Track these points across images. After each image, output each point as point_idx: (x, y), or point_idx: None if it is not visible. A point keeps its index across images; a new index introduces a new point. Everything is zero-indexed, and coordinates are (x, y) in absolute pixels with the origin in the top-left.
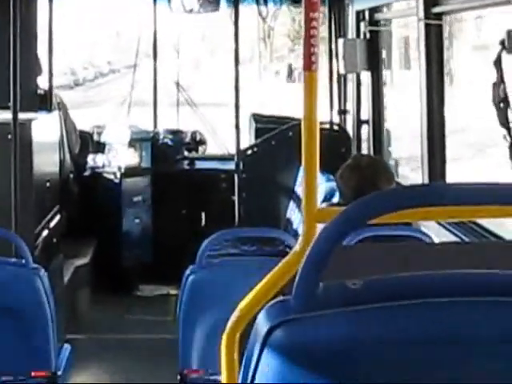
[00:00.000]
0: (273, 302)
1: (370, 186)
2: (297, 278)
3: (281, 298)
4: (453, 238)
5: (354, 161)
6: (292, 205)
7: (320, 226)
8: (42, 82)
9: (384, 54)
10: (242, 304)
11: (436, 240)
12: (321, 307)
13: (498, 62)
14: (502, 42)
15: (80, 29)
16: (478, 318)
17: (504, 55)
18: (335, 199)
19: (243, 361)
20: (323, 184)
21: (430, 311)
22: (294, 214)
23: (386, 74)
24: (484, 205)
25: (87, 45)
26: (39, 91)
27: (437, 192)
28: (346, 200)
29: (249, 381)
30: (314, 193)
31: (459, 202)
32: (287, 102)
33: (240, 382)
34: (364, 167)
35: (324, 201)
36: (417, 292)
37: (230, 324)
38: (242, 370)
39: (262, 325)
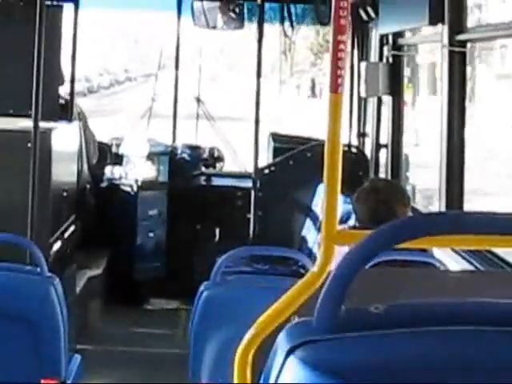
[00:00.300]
0: (293, 322)
1: (386, 209)
2: (320, 299)
3: (298, 319)
4: (468, 266)
5: (370, 184)
6: (308, 223)
7: (336, 248)
8: (64, 91)
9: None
10: (258, 322)
11: (450, 267)
12: (343, 330)
13: None
14: None
15: (98, 35)
16: (498, 348)
17: None
18: (351, 222)
19: (261, 379)
20: (340, 206)
21: (450, 339)
22: (310, 234)
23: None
24: (501, 234)
25: (104, 52)
26: (60, 101)
27: (460, 220)
28: (361, 223)
29: None
30: (334, 214)
31: (481, 231)
32: (308, 119)
33: None
34: (380, 190)
35: (340, 223)
36: (439, 319)
37: (244, 341)
38: None
39: (283, 344)
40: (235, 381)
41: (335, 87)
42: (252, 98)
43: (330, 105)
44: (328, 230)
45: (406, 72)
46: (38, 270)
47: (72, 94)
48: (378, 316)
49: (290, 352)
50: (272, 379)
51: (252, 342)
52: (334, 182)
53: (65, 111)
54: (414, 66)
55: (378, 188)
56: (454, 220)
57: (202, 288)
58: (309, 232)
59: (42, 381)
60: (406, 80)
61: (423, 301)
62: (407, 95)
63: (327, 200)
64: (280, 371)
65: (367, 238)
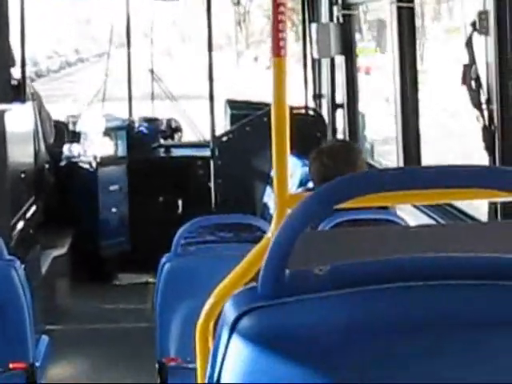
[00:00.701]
0: (239, 289)
1: (333, 169)
2: (262, 265)
3: (248, 285)
4: (429, 221)
5: (323, 145)
6: (268, 190)
7: None
8: (15, 72)
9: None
10: (216, 291)
11: (412, 223)
12: (287, 294)
13: (469, 44)
14: (473, 24)
15: (45, 15)
16: (449, 302)
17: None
18: (310, 184)
19: (212, 349)
20: (299, 169)
21: (398, 296)
22: (270, 199)
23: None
24: (458, 188)
25: (52, 33)
26: (12, 82)
27: (406, 175)
28: (314, 184)
29: (217, 369)
30: (284, 178)
31: (429, 186)
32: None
33: (209, 370)
34: (327, 151)
35: (300, 186)
36: (384, 276)
37: (203, 312)
38: (211, 358)
39: (228, 313)
40: (197, 352)
41: (278, 50)
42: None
43: (274, 68)
44: (280, 194)
45: (372, 32)
46: None
47: (23, 74)
48: (322, 278)
49: (236, 320)
50: (221, 349)
51: (211, 312)
52: (282, 146)
53: (17, 92)
54: (380, 25)
55: (325, 149)
56: (393, 177)
57: (163, 260)
58: (269, 197)
59: (11, 365)
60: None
61: (368, 260)
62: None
63: (277, 164)
64: (228, 341)
65: (306, 200)
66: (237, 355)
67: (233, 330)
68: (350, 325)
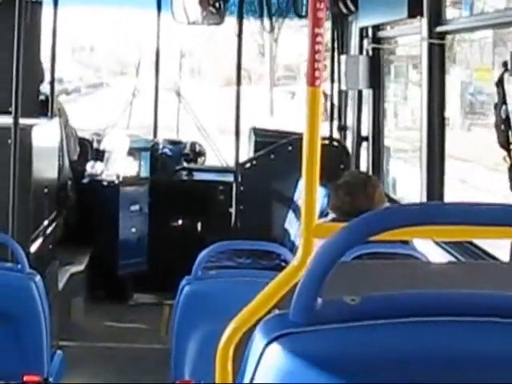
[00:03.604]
0: (271, 315)
1: (350, 201)
2: (296, 292)
3: (278, 311)
4: (449, 258)
5: (342, 177)
6: (290, 216)
7: (316, 241)
8: (44, 87)
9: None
10: (238, 316)
11: (431, 259)
12: (319, 322)
13: (500, 83)
14: (505, 64)
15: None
16: (475, 339)
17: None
18: (331, 215)
19: (239, 373)
20: (320, 199)
21: (427, 330)
22: (292, 227)
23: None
24: (480, 225)
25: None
26: (41, 97)
27: (434, 211)
28: (335, 216)
29: None
30: (313, 208)
31: (456, 222)
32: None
33: None
34: (345, 183)
35: (321, 216)
36: (414, 310)
37: (225, 336)
38: (237, 381)
39: (259, 338)
40: (217, 376)
41: (313, 80)
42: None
43: (308, 98)
44: (307, 224)
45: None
46: (19, 266)
47: (52, 90)
48: (354, 307)
49: (266, 345)
50: (249, 373)
51: (232, 337)
52: (312, 176)
53: (45, 107)
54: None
55: (343, 183)
56: (424, 212)
57: (183, 283)
58: (291, 225)
59: (25, 378)
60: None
61: (400, 292)
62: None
63: (306, 194)
64: (257, 365)
65: (340, 232)
66: (266, 379)
67: (263, 353)
68: (379, 355)
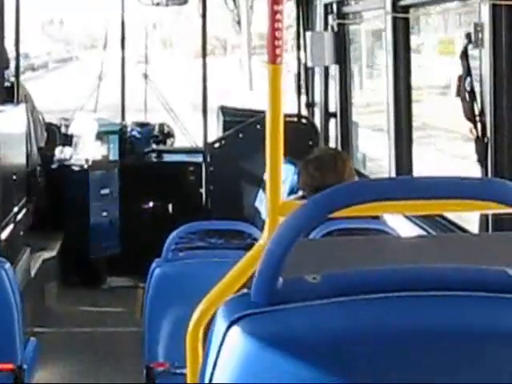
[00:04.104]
0: (232, 296)
1: (320, 177)
2: (256, 272)
3: (242, 292)
4: (419, 231)
5: (308, 157)
6: (260, 194)
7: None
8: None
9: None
10: (206, 298)
11: (402, 233)
12: (280, 302)
13: (464, 56)
14: (469, 36)
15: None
16: (438, 313)
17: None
18: (301, 192)
19: (203, 355)
20: (290, 176)
21: (388, 306)
22: (262, 205)
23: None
24: (448, 199)
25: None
26: (5, 84)
27: (398, 186)
28: (305, 194)
29: (208, 376)
30: (278, 186)
31: (421, 196)
32: None
33: (200, 376)
34: (315, 159)
35: (291, 193)
36: (376, 286)
37: (193, 318)
38: (202, 364)
39: (221, 320)
40: (187, 358)
41: (273, 58)
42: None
43: (270, 76)
44: (272, 202)
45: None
46: None
47: (17, 76)
48: (316, 286)
49: (228, 327)
50: (212, 355)
51: (201, 318)
52: (276, 154)
53: (10, 94)
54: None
55: (312, 159)
56: (385, 187)
57: (153, 265)
58: (261, 204)
59: (0, 366)
60: None
61: (361, 269)
62: None
63: (270, 172)
64: (220, 347)
65: (299, 209)
66: (228, 361)
67: (225, 336)
68: (341, 333)
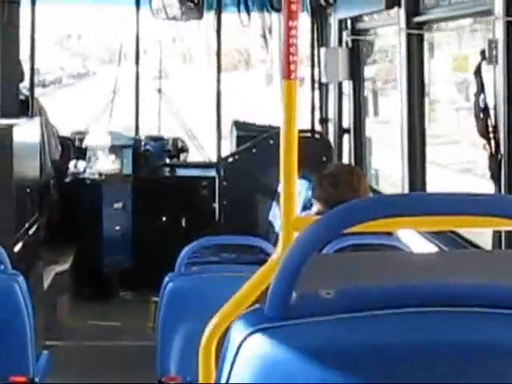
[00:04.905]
0: (246, 311)
1: (335, 193)
2: (270, 287)
3: (255, 306)
4: (432, 248)
5: (326, 169)
6: (274, 209)
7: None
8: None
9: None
10: (219, 312)
11: (415, 250)
12: (294, 317)
13: (478, 72)
14: (483, 52)
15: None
16: (452, 329)
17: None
18: (314, 208)
19: (217, 369)
20: (304, 192)
21: (401, 322)
22: (276, 219)
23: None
24: (461, 215)
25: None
26: (20, 97)
27: (411, 202)
28: (319, 209)
29: None
30: (291, 201)
31: (434, 213)
32: None
33: None
34: (330, 174)
35: (304, 209)
36: (389, 302)
37: (207, 332)
38: (216, 378)
39: (235, 334)
40: (200, 372)
41: (288, 73)
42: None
43: (284, 91)
44: (286, 216)
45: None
46: (2, 267)
47: (32, 89)
48: (329, 301)
49: (241, 342)
50: (226, 370)
51: (214, 333)
52: (290, 169)
53: (25, 107)
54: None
55: (327, 174)
56: (399, 203)
57: (166, 279)
58: (275, 218)
59: (11, 379)
60: None
61: (375, 285)
62: None
63: (284, 187)
64: (233, 361)
65: (315, 224)
66: (242, 375)
67: (239, 350)
68: (354, 348)
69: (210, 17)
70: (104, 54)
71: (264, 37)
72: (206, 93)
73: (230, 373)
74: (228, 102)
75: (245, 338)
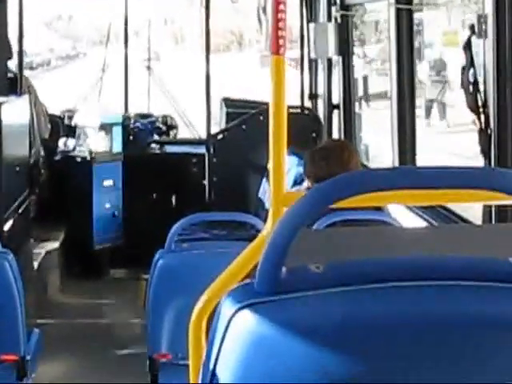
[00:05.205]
0: (236, 286)
1: (326, 167)
2: (259, 262)
3: (245, 282)
4: (422, 223)
5: (314, 148)
6: (264, 185)
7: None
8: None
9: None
10: (209, 289)
11: (405, 225)
12: (284, 291)
13: (467, 47)
14: (472, 27)
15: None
16: (441, 302)
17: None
18: (305, 183)
19: (207, 345)
20: (294, 168)
21: (390, 295)
22: (265, 196)
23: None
24: (452, 189)
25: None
26: (9, 74)
27: (401, 175)
28: (310, 184)
29: (212, 364)
30: (281, 177)
31: (424, 186)
32: None
33: (203, 365)
34: (321, 149)
35: (294, 185)
36: (378, 276)
37: (196, 308)
38: (205, 353)
39: (225, 309)
40: (190, 348)
41: (276, 49)
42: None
43: (272, 66)
44: (276, 192)
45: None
46: None
47: (21, 67)
48: (319, 275)
49: (231, 316)
50: (216, 343)
51: (204, 309)
52: (279, 145)
53: (14, 85)
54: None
55: (318, 149)
56: (387, 177)
57: (156, 256)
58: (264, 194)
59: (1, 357)
60: None
61: (364, 258)
62: None
63: (273, 163)
64: (223, 336)
65: (303, 198)
66: (232, 351)
67: (229, 325)
68: (344, 321)
69: None
70: (95, 36)
71: (258, 17)
72: (197, 73)
73: (219, 348)
74: (221, 85)
75: (234, 314)
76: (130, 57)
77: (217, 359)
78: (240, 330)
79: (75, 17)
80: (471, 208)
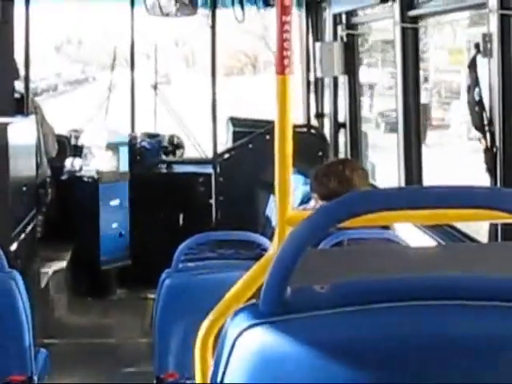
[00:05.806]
0: (241, 306)
1: (327, 189)
2: (264, 282)
3: (250, 302)
4: (429, 241)
5: (324, 166)
6: (271, 204)
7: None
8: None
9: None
10: (215, 309)
11: (412, 243)
12: (289, 311)
13: (472, 65)
14: (477, 46)
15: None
16: (447, 322)
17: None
18: (312, 203)
19: (213, 365)
20: (300, 187)
21: (396, 315)
22: (273, 214)
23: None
24: (458, 208)
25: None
26: (16, 95)
27: (407, 195)
28: (315, 202)
29: None
30: (286, 196)
31: (430, 206)
32: None
33: None
34: (322, 171)
35: (301, 204)
36: (384, 296)
37: (203, 328)
38: (212, 374)
39: (230, 329)
40: (196, 368)
41: (281, 69)
42: None
43: (278, 86)
44: (281, 212)
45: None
46: None
47: (27, 88)
48: (323, 295)
49: (236, 337)
50: (222, 364)
51: (211, 329)
52: (285, 164)
53: (20, 106)
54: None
55: (322, 167)
56: (394, 196)
57: (163, 276)
58: (271, 213)
59: (9, 378)
60: None
61: (369, 278)
62: None
63: (279, 182)
64: (229, 357)
65: (308, 219)
66: (238, 371)
67: (234, 345)
68: (348, 342)
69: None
70: (105, 59)
71: (263, 37)
72: (207, 95)
73: (225, 368)
74: (233, 108)
75: (240, 334)
76: (141, 79)
77: (222, 379)
78: (245, 350)
79: (85, 41)
80: (474, 224)
